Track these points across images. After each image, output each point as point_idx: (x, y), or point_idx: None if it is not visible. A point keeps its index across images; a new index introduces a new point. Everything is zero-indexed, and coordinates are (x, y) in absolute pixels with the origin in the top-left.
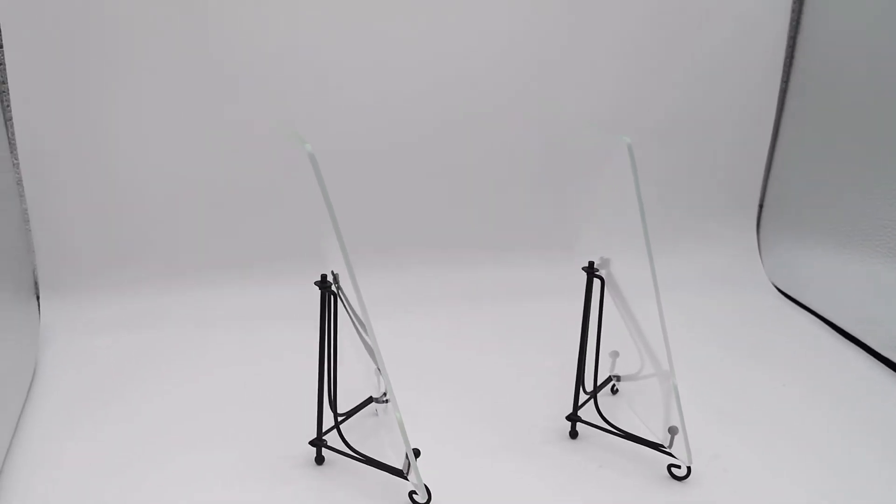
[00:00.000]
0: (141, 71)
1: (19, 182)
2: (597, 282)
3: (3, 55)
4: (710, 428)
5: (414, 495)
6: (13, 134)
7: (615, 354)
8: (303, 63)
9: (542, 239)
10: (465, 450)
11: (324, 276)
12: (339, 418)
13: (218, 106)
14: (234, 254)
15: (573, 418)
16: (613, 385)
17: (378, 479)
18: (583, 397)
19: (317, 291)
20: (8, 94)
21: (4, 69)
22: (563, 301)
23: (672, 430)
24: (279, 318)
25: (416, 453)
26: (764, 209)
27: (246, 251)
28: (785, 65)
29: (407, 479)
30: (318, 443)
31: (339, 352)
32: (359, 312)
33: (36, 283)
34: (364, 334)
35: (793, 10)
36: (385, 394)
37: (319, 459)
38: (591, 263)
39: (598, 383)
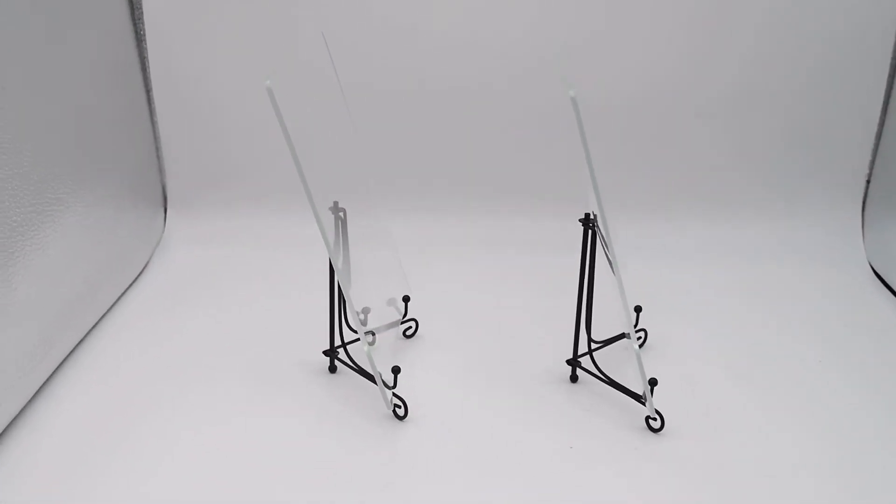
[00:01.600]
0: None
1: (152, 107)
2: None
3: (143, 26)
4: (728, 390)
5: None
6: (147, 60)
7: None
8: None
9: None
10: (470, 380)
11: (587, 215)
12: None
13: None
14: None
15: (573, 363)
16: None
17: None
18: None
19: None
20: (143, 23)
21: (141, 10)
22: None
23: (651, 383)
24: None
25: (397, 370)
26: (871, 185)
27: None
28: None
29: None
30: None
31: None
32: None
33: (165, 199)
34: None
35: None
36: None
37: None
38: (587, 216)
39: (591, 334)
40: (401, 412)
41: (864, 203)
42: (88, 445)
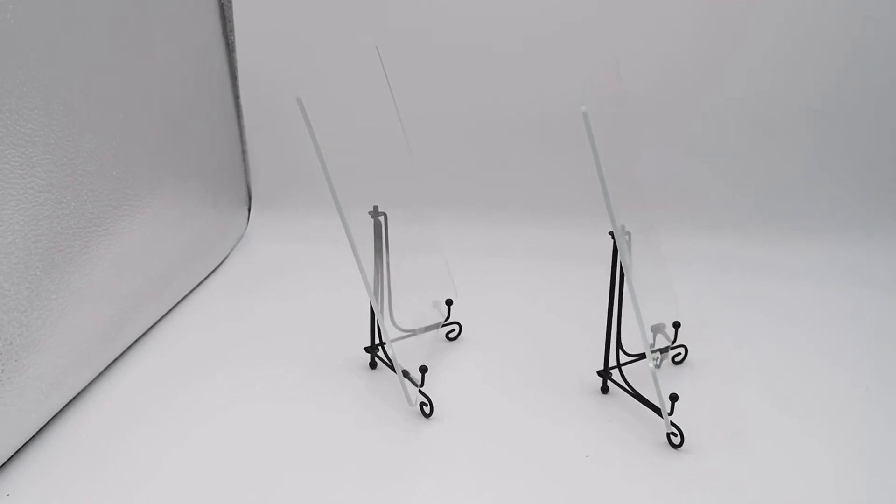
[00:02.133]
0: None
1: (240, 113)
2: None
3: (232, 11)
4: (763, 413)
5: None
6: (237, 69)
7: (662, 327)
8: None
9: None
10: (502, 383)
11: (375, 207)
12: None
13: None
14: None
15: (604, 374)
16: (674, 356)
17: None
18: (623, 357)
19: None
20: (234, 34)
21: (233, 21)
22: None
23: (672, 398)
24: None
25: (424, 369)
26: None
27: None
28: None
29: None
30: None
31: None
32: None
33: (249, 198)
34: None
35: None
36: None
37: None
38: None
39: (619, 347)
40: (427, 409)
41: None
42: (139, 410)
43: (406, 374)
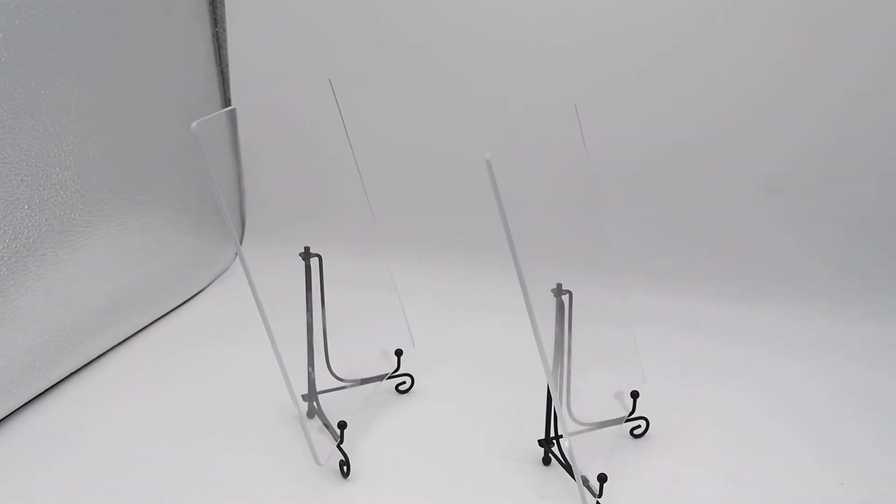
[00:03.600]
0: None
1: (236, 139)
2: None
3: (226, 38)
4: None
5: None
6: (230, 98)
7: (620, 395)
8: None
9: None
10: (442, 445)
11: (559, 285)
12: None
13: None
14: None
15: (545, 444)
16: (632, 428)
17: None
18: (574, 426)
19: None
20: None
21: (226, 48)
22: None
23: (600, 479)
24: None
25: (343, 425)
26: None
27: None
28: None
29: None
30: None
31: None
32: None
33: (243, 229)
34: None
35: None
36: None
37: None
38: (559, 285)
39: (555, 416)
40: (345, 469)
41: None
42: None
43: (329, 427)
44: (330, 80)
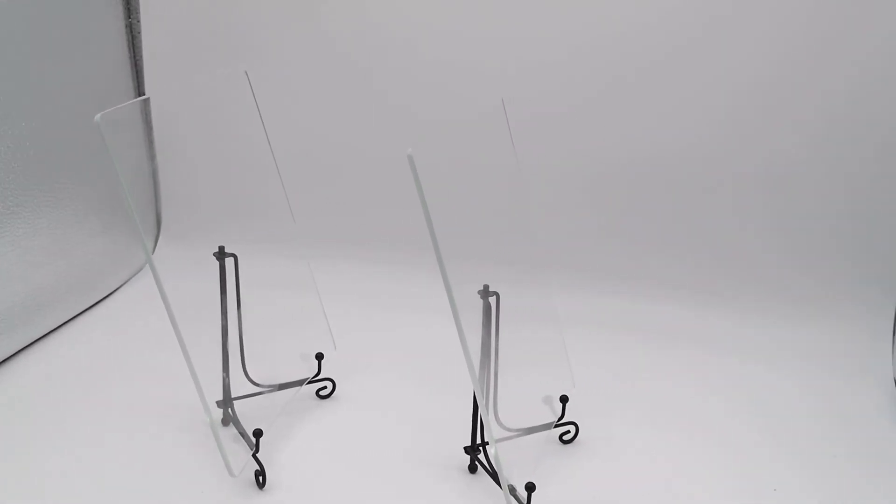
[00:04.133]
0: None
1: (151, 136)
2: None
3: (139, 26)
4: None
5: None
6: (145, 91)
7: (549, 400)
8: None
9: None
10: (366, 453)
11: (486, 286)
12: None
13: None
14: (336, 233)
15: (471, 452)
16: (561, 434)
17: None
18: (502, 432)
19: None
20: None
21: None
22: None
23: (528, 488)
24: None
25: (258, 433)
26: None
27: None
28: None
29: None
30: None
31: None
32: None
33: (158, 228)
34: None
35: None
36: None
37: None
38: (486, 287)
39: (480, 423)
40: (261, 479)
41: None
42: None
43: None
44: (246, 73)
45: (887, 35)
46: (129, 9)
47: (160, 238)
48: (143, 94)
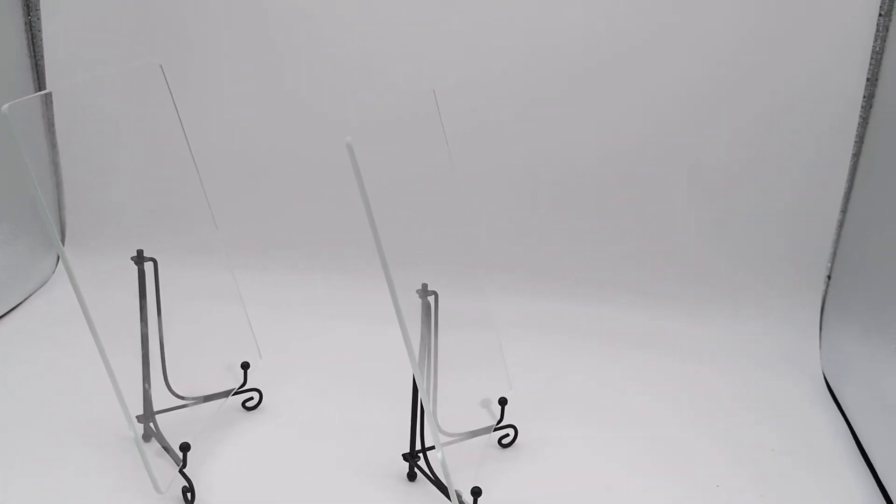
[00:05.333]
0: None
1: (54, 141)
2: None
3: (40, 24)
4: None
5: None
6: (48, 92)
7: (487, 403)
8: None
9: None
10: (296, 464)
11: (424, 285)
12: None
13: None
14: (260, 239)
15: (409, 459)
16: (500, 438)
17: None
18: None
19: None
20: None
21: (42, 40)
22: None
23: (474, 492)
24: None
25: (185, 447)
26: (832, 281)
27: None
28: (862, 110)
29: None
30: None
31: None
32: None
33: (63, 236)
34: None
35: (871, 65)
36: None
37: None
38: (425, 286)
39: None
40: (189, 496)
41: (823, 304)
42: None
43: (168, 450)
44: (161, 66)
45: (828, 39)
46: (27, 6)
47: (65, 245)
48: (45, 98)
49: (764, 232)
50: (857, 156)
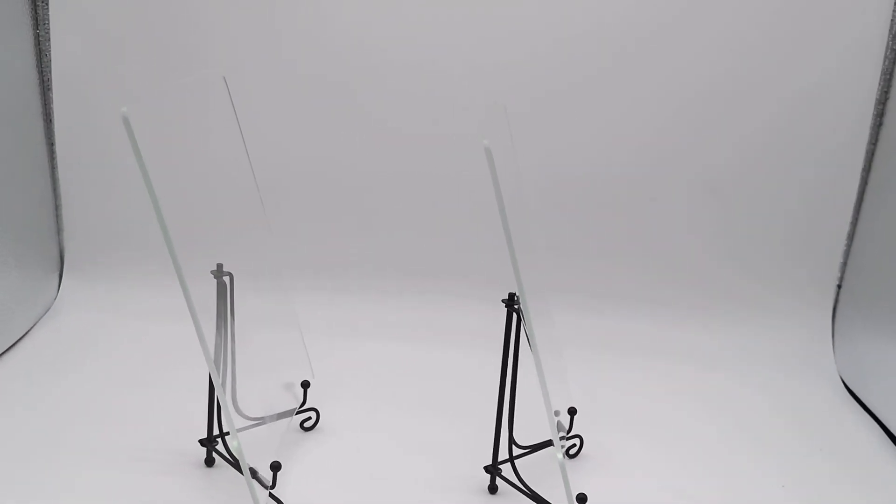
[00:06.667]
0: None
1: (54, 163)
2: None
3: (49, 46)
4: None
5: None
6: (53, 117)
7: (558, 413)
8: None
9: None
10: (371, 485)
11: (511, 295)
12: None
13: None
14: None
15: (491, 471)
16: (568, 449)
17: None
18: (516, 450)
19: None
20: (51, 80)
21: (49, 55)
22: None
23: (580, 499)
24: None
25: (276, 466)
26: (842, 290)
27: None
28: (874, 122)
29: None
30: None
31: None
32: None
33: (62, 262)
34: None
35: (883, 72)
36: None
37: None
38: (512, 295)
39: (512, 436)
40: None
41: (834, 311)
42: None
43: (254, 472)
44: (224, 78)
45: (842, 47)
46: (36, 20)
47: (64, 272)
48: (51, 113)
49: (776, 241)
50: (867, 165)
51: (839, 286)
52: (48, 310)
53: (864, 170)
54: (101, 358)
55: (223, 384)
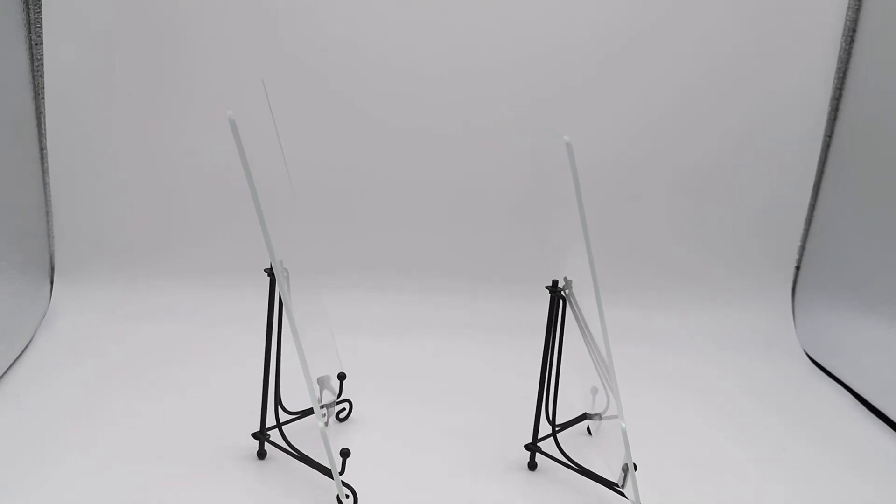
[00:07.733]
0: (177, 66)
1: (45, 168)
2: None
3: (41, 51)
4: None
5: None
6: (44, 122)
7: (594, 391)
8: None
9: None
10: (415, 468)
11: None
12: (284, 417)
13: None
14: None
15: (532, 448)
16: (588, 426)
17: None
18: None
19: None
20: (43, 85)
21: (42, 63)
22: None
23: (624, 469)
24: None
25: (346, 453)
26: (801, 270)
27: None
28: (829, 119)
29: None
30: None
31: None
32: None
33: (52, 268)
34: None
35: (838, 68)
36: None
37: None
38: (555, 282)
39: (556, 415)
40: (349, 502)
41: (793, 290)
42: None
43: (346, 453)
44: (263, 81)
45: (799, 55)
46: (29, 23)
47: (55, 279)
48: (44, 117)
49: (739, 230)
50: (823, 157)
51: (797, 268)
52: (44, 316)
53: (820, 161)
54: (101, 358)
55: (278, 376)
